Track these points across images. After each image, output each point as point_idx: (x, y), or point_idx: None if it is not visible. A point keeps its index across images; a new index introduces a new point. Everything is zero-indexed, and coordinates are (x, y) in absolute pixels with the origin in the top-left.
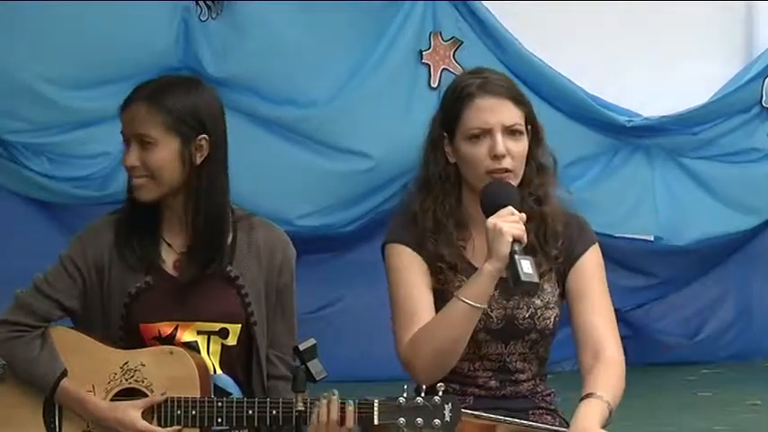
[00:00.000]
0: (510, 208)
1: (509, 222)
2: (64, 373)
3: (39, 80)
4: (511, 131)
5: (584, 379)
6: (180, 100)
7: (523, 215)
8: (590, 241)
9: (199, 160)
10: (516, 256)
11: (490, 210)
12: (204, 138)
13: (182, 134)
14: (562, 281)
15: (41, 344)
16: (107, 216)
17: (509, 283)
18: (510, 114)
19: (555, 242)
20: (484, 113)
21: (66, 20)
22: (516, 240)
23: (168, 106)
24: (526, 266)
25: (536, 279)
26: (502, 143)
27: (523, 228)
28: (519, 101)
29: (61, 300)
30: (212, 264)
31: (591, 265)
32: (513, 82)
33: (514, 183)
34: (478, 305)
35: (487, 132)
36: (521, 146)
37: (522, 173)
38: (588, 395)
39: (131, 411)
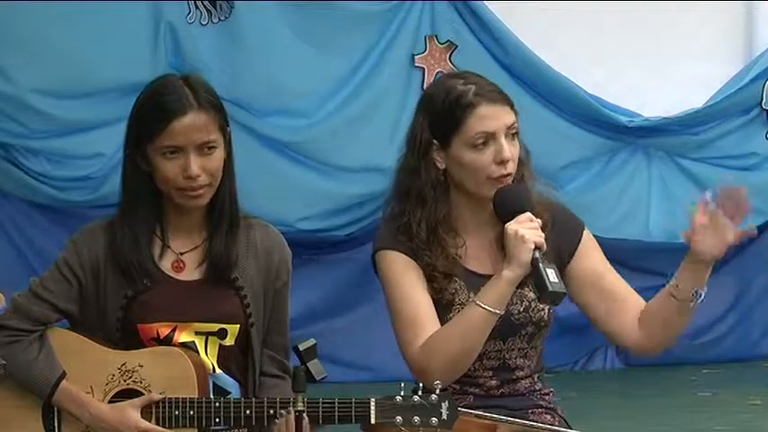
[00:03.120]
0: (528, 214)
1: (530, 229)
2: (62, 376)
3: (26, 90)
4: (510, 135)
5: (648, 305)
6: (215, 96)
7: (540, 220)
8: (580, 226)
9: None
10: (541, 265)
11: (507, 215)
12: (229, 132)
13: (224, 131)
14: (559, 270)
15: (39, 347)
16: (102, 220)
17: (534, 292)
18: (509, 118)
19: (549, 233)
20: (488, 120)
21: (44, 26)
22: (537, 248)
23: (217, 105)
24: (552, 276)
25: (563, 288)
26: (508, 149)
27: (543, 234)
28: (512, 103)
29: (57, 303)
30: (229, 265)
31: (590, 246)
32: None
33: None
34: (497, 311)
35: (491, 138)
36: (517, 147)
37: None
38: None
39: (131, 412)
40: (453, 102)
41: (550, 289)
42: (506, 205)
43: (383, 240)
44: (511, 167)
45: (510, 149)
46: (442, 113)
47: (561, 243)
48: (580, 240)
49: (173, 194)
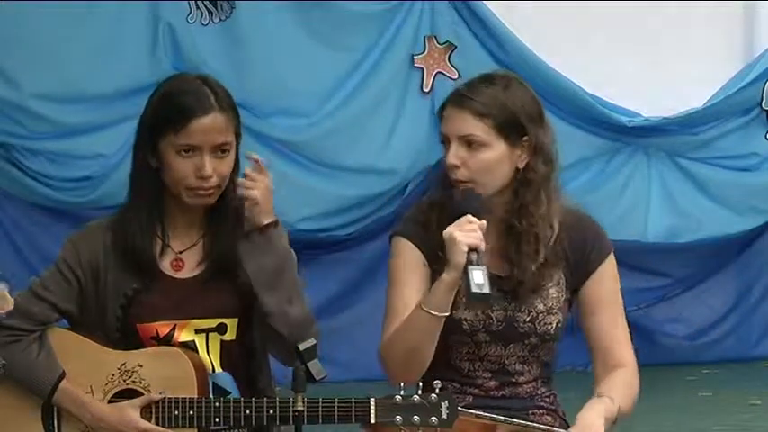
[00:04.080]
0: (468, 216)
1: (465, 231)
2: (62, 376)
3: (26, 95)
4: (467, 142)
5: (598, 384)
6: (231, 99)
7: (483, 223)
8: (606, 250)
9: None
10: (469, 267)
11: (453, 220)
12: (237, 135)
13: (237, 135)
14: (572, 287)
15: (39, 347)
16: (101, 219)
17: (464, 295)
18: (465, 126)
19: (571, 249)
20: (445, 123)
21: (41, 28)
22: (473, 249)
23: (234, 108)
24: (477, 277)
25: (487, 290)
26: (453, 154)
27: (481, 236)
28: (483, 113)
29: (56, 302)
30: (232, 263)
31: (608, 276)
32: (499, 92)
33: (482, 193)
34: (439, 314)
35: (447, 140)
36: (480, 157)
37: (492, 184)
38: (598, 395)
39: (131, 412)
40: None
41: (472, 289)
42: (453, 211)
43: (401, 225)
44: (462, 175)
45: (461, 155)
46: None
47: (583, 261)
48: (598, 266)
49: (181, 193)
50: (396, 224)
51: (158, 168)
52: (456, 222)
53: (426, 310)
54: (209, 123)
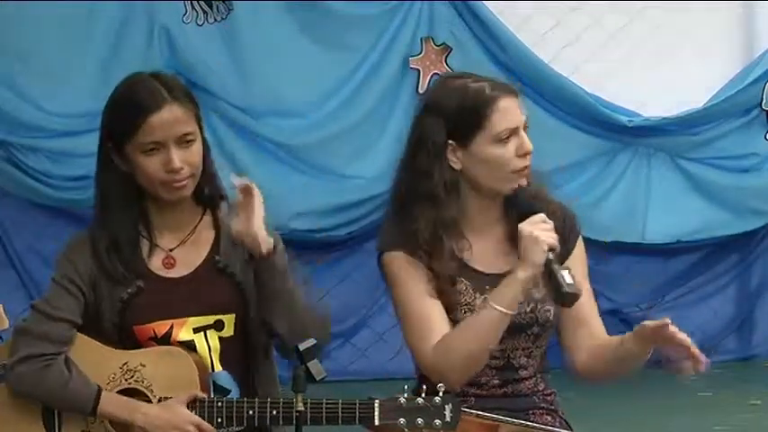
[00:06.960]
0: (542, 215)
1: (544, 231)
2: (100, 388)
3: (25, 97)
4: (525, 127)
5: (609, 340)
6: (187, 88)
7: (552, 222)
8: (577, 234)
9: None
10: (555, 267)
11: (525, 214)
12: (199, 121)
13: (200, 123)
14: None
15: (68, 367)
16: (83, 231)
17: (551, 295)
18: (523, 111)
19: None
20: (510, 114)
21: (36, 31)
22: (551, 249)
23: (191, 98)
24: (567, 277)
25: (578, 290)
26: (528, 141)
27: (556, 236)
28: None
29: (71, 318)
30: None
31: (578, 258)
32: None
33: (527, 179)
34: (509, 312)
35: (514, 132)
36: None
37: None
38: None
39: (180, 407)
40: (474, 99)
41: (566, 290)
42: (526, 206)
43: (387, 241)
44: (529, 160)
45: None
46: (461, 112)
47: (562, 241)
48: (572, 251)
49: (157, 189)
50: (380, 243)
51: (129, 172)
52: (530, 220)
53: (497, 308)
54: (167, 116)
